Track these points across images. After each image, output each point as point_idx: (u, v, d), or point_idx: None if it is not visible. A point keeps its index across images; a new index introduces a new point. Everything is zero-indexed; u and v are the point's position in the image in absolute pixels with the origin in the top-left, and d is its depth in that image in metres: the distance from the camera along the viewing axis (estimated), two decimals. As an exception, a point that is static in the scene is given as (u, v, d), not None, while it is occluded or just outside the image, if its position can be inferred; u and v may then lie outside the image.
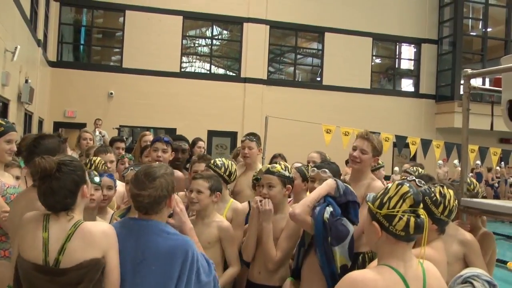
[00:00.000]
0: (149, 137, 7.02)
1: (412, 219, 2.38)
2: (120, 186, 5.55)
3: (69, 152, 3.82)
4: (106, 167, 5.57)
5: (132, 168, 4.41)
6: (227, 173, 4.93)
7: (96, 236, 2.83)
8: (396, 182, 2.51)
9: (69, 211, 2.90)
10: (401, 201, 2.41)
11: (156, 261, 2.96)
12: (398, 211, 2.39)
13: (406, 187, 2.44)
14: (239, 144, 10.95)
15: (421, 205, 2.46)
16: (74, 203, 2.92)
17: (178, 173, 5.45)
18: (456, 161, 21.04)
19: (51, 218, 2.90)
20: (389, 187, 2.49)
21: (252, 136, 6.27)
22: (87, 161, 5.49)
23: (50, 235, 2.84)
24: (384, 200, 2.44)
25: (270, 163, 5.99)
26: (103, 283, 2.85)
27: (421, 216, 2.41)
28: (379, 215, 2.43)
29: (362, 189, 4.72)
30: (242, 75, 22.39)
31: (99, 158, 5.24)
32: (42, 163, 2.85)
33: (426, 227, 2.41)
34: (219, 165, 4.96)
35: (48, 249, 2.81)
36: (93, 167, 5.15)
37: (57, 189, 2.85)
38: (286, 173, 4.40)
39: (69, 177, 2.89)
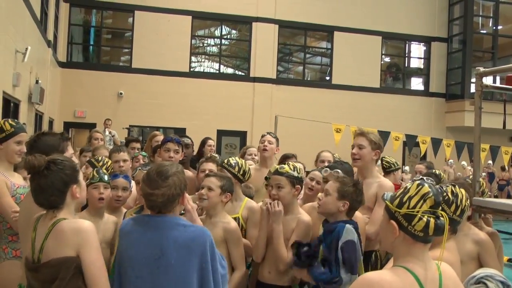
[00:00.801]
0: (160, 137, 7.02)
1: (432, 220, 2.34)
2: (132, 187, 5.56)
3: (70, 151, 3.79)
4: (117, 167, 5.59)
5: (140, 168, 4.41)
6: (241, 172, 4.89)
7: (67, 234, 2.84)
8: (417, 182, 2.46)
9: (56, 210, 2.93)
10: (422, 201, 2.37)
11: (175, 255, 2.95)
12: (418, 211, 2.35)
13: (427, 188, 2.40)
14: (248, 143, 10.90)
15: (441, 207, 2.43)
16: (63, 202, 2.95)
17: (187, 172, 5.45)
18: (464, 163, 20.96)
19: (41, 218, 2.97)
20: (409, 186, 2.45)
21: (273, 134, 6.31)
22: (99, 158, 5.51)
23: (37, 234, 2.92)
24: (404, 200, 2.40)
25: (281, 162, 5.97)
26: (80, 282, 2.84)
27: (441, 217, 2.38)
28: (398, 214, 2.39)
29: (372, 187, 4.78)
30: (251, 75, 22.37)
31: (109, 160, 5.28)
32: (31, 160, 2.89)
33: (447, 230, 2.38)
34: (233, 164, 4.91)
35: (34, 247, 2.90)
36: (104, 167, 5.19)
37: (45, 186, 2.90)
38: (295, 174, 4.38)
39: (57, 176, 2.92)
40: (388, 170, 7.72)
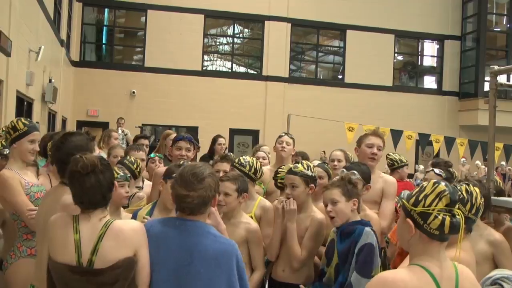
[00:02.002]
0: (174, 135, 7.04)
1: (448, 219, 2.33)
2: (147, 187, 5.57)
3: (97, 151, 3.81)
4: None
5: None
6: (252, 171, 4.89)
7: (127, 234, 2.84)
8: (433, 180, 2.45)
9: (102, 210, 2.92)
10: (437, 199, 2.35)
11: (205, 264, 2.90)
12: (433, 210, 2.34)
13: (442, 186, 2.38)
14: (261, 142, 10.84)
15: (457, 205, 2.42)
16: (109, 199, 2.97)
17: None
18: (478, 162, 20.83)
19: (81, 219, 2.88)
20: (425, 185, 2.44)
21: (291, 135, 6.33)
22: (132, 160, 5.51)
23: (82, 236, 2.83)
24: (420, 198, 2.38)
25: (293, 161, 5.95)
26: (136, 281, 2.86)
27: (457, 216, 2.36)
28: (414, 213, 2.38)
29: (377, 182, 4.97)
30: (264, 73, 22.36)
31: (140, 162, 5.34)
32: (83, 161, 2.85)
33: (462, 228, 2.36)
34: (244, 163, 4.92)
35: (81, 250, 2.80)
36: (138, 168, 5.26)
37: (96, 185, 2.87)
38: (309, 173, 4.36)
39: (108, 174, 2.93)
40: (392, 167, 7.71)
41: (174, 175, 3.45)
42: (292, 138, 6.25)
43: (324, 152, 18.23)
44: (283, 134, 6.34)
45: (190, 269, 2.90)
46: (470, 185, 3.27)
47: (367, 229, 3.80)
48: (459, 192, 3.19)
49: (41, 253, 3.26)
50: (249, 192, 4.48)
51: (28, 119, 4.51)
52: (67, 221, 2.90)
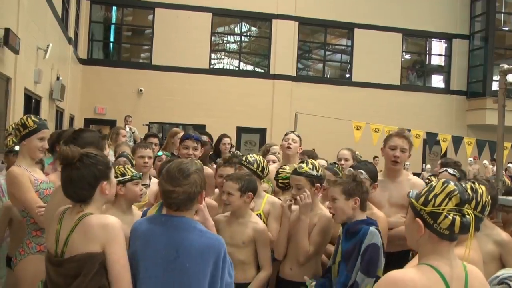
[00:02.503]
0: (182, 134, 7.03)
1: (458, 219, 2.31)
2: (154, 184, 5.57)
3: (108, 149, 3.81)
4: (142, 163, 5.62)
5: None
6: (260, 169, 4.90)
7: (94, 229, 2.80)
8: (442, 180, 2.43)
9: (83, 204, 2.91)
10: (447, 199, 2.34)
11: (191, 259, 2.91)
12: (443, 209, 2.33)
13: (452, 186, 2.37)
14: (268, 140, 10.84)
15: (472, 206, 2.40)
16: (91, 196, 2.92)
17: (207, 169, 5.43)
18: (486, 161, 20.76)
19: (67, 211, 2.95)
20: (434, 184, 2.42)
21: (297, 133, 6.34)
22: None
23: (62, 227, 2.89)
24: (430, 198, 2.37)
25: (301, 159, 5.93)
26: (103, 278, 2.81)
27: (467, 215, 2.35)
28: (424, 212, 2.36)
29: (404, 186, 4.73)
30: (271, 72, 22.34)
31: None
32: (66, 151, 2.87)
33: (473, 228, 2.35)
34: (252, 161, 4.93)
35: (58, 240, 2.88)
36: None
37: (75, 179, 2.87)
38: (314, 173, 4.34)
39: (89, 170, 2.89)
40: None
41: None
42: (298, 136, 6.26)
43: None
44: (289, 132, 6.37)
45: (177, 264, 2.91)
46: (476, 183, 3.25)
47: (372, 229, 3.79)
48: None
49: (48, 246, 3.28)
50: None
51: (38, 116, 4.52)
52: (60, 212, 2.98)
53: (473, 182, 3.26)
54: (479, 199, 3.16)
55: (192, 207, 3.06)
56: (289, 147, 6.10)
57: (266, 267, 4.28)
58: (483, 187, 3.23)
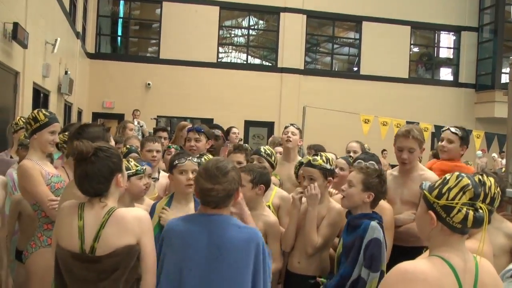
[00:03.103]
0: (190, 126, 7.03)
1: (471, 213, 2.30)
2: (163, 178, 5.56)
3: (112, 142, 3.80)
4: (150, 156, 5.62)
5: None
6: (273, 159, 4.97)
7: (129, 222, 2.85)
8: (456, 173, 2.42)
9: (102, 198, 2.92)
10: (461, 193, 2.33)
11: (233, 255, 2.97)
12: (457, 203, 2.32)
13: (466, 180, 2.36)
14: (276, 134, 10.76)
15: (481, 199, 2.39)
16: (107, 189, 2.93)
17: None
18: (494, 154, 20.68)
19: (85, 206, 2.93)
20: (448, 177, 2.41)
21: (296, 125, 6.31)
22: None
23: (85, 222, 2.87)
24: (443, 191, 2.36)
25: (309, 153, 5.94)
26: (139, 269, 2.88)
27: (480, 210, 2.34)
28: (437, 205, 2.36)
29: (416, 182, 4.56)
30: (279, 65, 22.31)
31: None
32: (80, 146, 2.86)
33: (486, 223, 2.33)
34: (270, 153, 5.03)
35: (84, 236, 2.84)
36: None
37: (91, 173, 2.87)
38: (328, 166, 4.33)
39: (104, 163, 2.89)
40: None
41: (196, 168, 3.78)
42: (298, 128, 6.23)
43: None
44: (289, 125, 6.33)
45: (219, 263, 2.96)
46: (484, 175, 3.23)
47: (373, 223, 3.77)
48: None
49: (54, 242, 3.30)
50: None
51: (49, 110, 4.54)
52: (74, 208, 2.95)
53: (481, 175, 3.25)
54: (487, 191, 3.14)
55: (230, 204, 3.12)
56: (289, 140, 6.08)
57: (277, 260, 4.27)
58: (491, 179, 3.20)
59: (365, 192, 3.91)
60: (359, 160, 4.71)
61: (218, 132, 6.23)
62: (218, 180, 2.98)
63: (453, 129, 5.41)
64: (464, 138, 5.20)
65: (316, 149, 6.78)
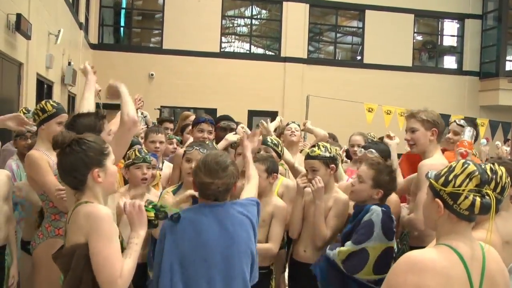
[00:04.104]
0: (193, 117, 7.02)
1: (478, 199, 2.32)
2: (166, 168, 5.58)
3: (108, 129, 3.75)
4: (153, 147, 5.63)
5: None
6: (280, 149, 5.00)
7: (79, 219, 2.70)
8: (461, 160, 2.45)
9: (78, 192, 2.82)
10: (468, 180, 2.35)
11: (243, 240, 3.15)
12: (464, 190, 2.33)
13: (472, 166, 2.38)
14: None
15: (491, 187, 2.40)
16: (83, 184, 2.80)
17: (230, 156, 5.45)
18: (498, 142, 20.67)
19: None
20: (454, 165, 2.43)
21: (297, 123, 6.53)
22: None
23: (68, 216, 2.89)
24: (450, 178, 2.37)
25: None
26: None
27: (487, 196, 2.34)
28: (443, 193, 2.37)
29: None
30: (282, 55, 22.24)
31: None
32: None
33: (493, 208, 2.34)
34: (276, 143, 5.05)
35: (66, 229, 2.87)
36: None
37: (65, 165, 2.82)
38: (327, 154, 4.37)
39: (78, 156, 2.77)
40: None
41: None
42: (299, 125, 6.59)
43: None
44: (290, 122, 6.67)
45: (234, 250, 3.11)
46: (495, 163, 3.22)
47: (374, 207, 3.80)
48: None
49: None
50: None
51: (56, 101, 4.57)
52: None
53: (493, 163, 3.24)
54: (498, 180, 3.14)
55: (228, 197, 3.21)
56: (293, 134, 6.30)
57: (274, 243, 4.29)
58: (502, 168, 3.20)
59: (374, 188, 3.91)
60: (370, 149, 4.70)
61: (233, 125, 6.23)
62: (217, 174, 3.07)
63: (459, 121, 5.41)
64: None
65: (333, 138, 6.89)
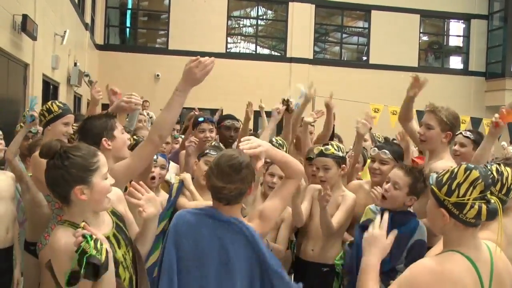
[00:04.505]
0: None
1: (484, 207, 2.27)
2: (172, 168, 5.59)
3: (120, 127, 3.69)
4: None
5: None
6: (285, 150, 5.03)
7: (50, 240, 2.59)
8: (463, 165, 2.36)
9: (65, 206, 2.65)
10: (472, 188, 2.29)
11: (242, 261, 2.92)
12: (468, 199, 2.28)
13: (476, 173, 2.31)
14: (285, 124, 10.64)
15: (497, 189, 2.37)
16: (67, 201, 2.59)
17: None
18: (504, 143, 20.60)
19: None
20: (455, 171, 2.36)
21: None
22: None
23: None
24: (453, 187, 2.31)
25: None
26: None
27: (492, 201, 2.30)
28: (448, 203, 2.31)
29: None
30: (288, 55, 22.25)
31: None
32: (44, 145, 2.62)
33: (501, 214, 2.31)
34: (282, 143, 5.07)
35: None
36: None
37: (48, 179, 2.60)
38: (340, 154, 4.41)
39: (58, 172, 2.55)
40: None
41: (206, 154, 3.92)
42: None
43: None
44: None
45: (229, 267, 2.91)
46: (501, 165, 3.20)
47: (422, 224, 3.69)
48: (490, 172, 3.13)
49: None
50: None
51: (62, 102, 4.57)
52: None
53: (499, 164, 3.21)
54: (504, 181, 3.11)
55: (242, 201, 3.04)
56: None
57: (283, 246, 4.34)
58: (508, 170, 3.17)
59: (409, 196, 3.80)
60: (384, 150, 4.64)
61: (238, 124, 6.23)
62: (230, 178, 2.88)
63: (465, 133, 5.32)
64: (477, 142, 5.04)
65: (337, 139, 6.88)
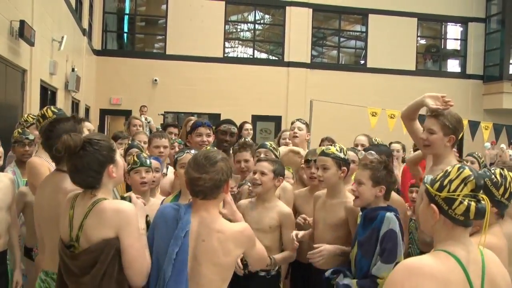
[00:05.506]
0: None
1: (473, 204, 2.29)
2: (171, 173, 5.58)
3: (86, 133, 3.73)
4: (157, 152, 5.63)
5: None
6: (278, 153, 5.01)
7: (107, 214, 2.81)
8: (457, 165, 2.41)
9: (94, 190, 2.92)
10: (462, 184, 2.32)
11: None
12: (458, 195, 2.31)
13: (468, 171, 2.34)
14: (283, 128, 10.69)
15: (482, 190, 2.38)
16: (99, 182, 2.93)
17: (231, 160, 5.44)
18: (503, 145, 20.63)
19: (78, 196, 2.96)
20: (449, 170, 2.40)
21: (303, 120, 6.34)
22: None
23: (75, 212, 2.90)
24: (445, 183, 2.35)
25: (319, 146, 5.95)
26: (120, 262, 2.83)
27: (482, 201, 2.32)
28: (438, 198, 2.35)
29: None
30: (286, 59, 22.26)
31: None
32: (67, 141, 2.84)
33: (488, 213, 2.32)
34: (275, 147, 5.15)
35: (72, 225, 2.89)
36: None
37: (81, 167, 2.87)
38: (341, 155, 4.31)
39: (93, 157, 2.89)
40: None
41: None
42: (304, 123, 6.33)
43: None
44: (295, 120, 6.42)
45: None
46: (505, 169, 3.20)
47: (389, 214, 3.69)
48: (493, 176, 3.13)
49: (47, 240, 3.41)
50: None
51: (58, 107, 4.55)
52: (71, 198, 3.00)
53: (502, 168, 3.21)
54: (507, 185, 3.11)
55: (219, 196, 3.06)
56: (295, 136, 6.17)
57: (293, 250, 4.31)
58: (511, 174, 3.17)
59: (375, 187, 3.85)
60: (370, 151, 4.66)
61: (234, 129, 6.21)
62: (205, 169, 2.95)
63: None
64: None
65: (323, 140, 6.83)
